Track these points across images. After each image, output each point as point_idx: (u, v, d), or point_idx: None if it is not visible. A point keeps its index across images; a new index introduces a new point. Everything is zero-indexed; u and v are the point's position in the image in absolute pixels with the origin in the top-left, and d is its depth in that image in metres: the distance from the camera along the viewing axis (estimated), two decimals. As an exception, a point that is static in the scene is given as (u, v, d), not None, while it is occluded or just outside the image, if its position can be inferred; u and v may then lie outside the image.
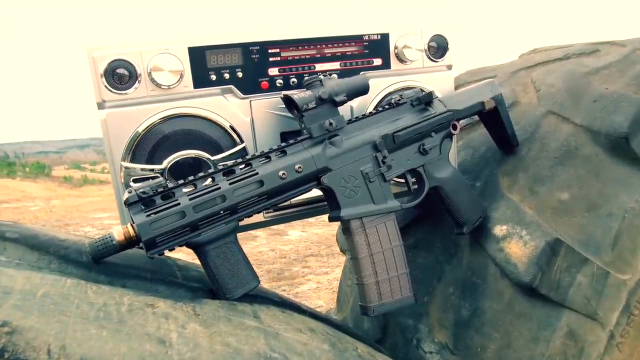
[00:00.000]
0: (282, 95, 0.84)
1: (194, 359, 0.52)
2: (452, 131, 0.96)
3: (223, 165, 0.76)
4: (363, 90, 0.87)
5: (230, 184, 0.74)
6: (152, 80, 0.81)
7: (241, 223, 0.90)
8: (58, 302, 0.52)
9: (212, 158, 0.85)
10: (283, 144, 0.81)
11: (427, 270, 1.07)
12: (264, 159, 0.78)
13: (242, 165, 0.77)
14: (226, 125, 0.87)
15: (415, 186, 0.94)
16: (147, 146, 0.83)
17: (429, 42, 1.01)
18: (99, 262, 0.68)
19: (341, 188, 0.83)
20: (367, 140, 0.86)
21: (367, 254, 0.84)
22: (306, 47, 0.92)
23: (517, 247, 0.89)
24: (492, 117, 1.02)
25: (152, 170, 0.82)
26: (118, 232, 0.68)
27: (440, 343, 0.99)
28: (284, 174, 0.77)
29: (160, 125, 0.83)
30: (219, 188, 0.73)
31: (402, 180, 0.96)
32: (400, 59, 0.99)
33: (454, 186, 0.94)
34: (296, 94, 0.81)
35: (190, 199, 0.71)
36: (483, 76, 1.34)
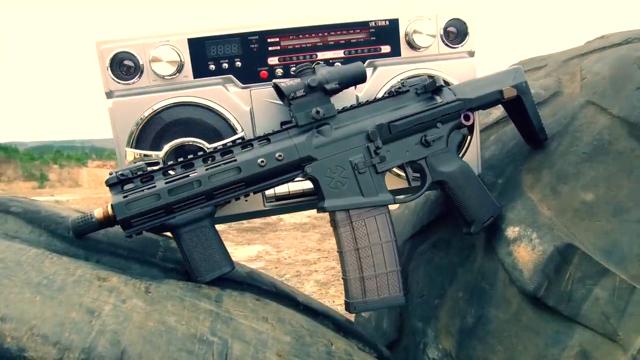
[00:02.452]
0: (272, 84, 0.84)
1: (117, 331, 0.54)
2: (464, 122, 0.88)
3: None
4: (358, 77, 0.83)
5: (206, 169, 0.75)
6: (154, 71, 0.86)
7: (241, 211, 0.93)
8: (10, 267, 0.57)
9: (209, 146, 0.88)
10: (269, 132, 0.81)
11: (442, 271, 1.00)
12: (246, 146, 0.79)
13: (224, 152, 0.78)
14: (225, 114, 0.89)
15: (419, 180, 0.88)
16: (149, 133, 0.88)
17: (446, 27, 0.94)
18: (82, 238, 0.74)
19: (326, 178, 0.80)
20: (360, 129, 0.82)
21: (353, 248, 0.80)
22: (307, 36, 0.90)
23: (525, 251, 0.80)
24: (516, 108, 0.92)
25: (150, 156, 0.87)
26: (98, 211, 0.73)
27: (445, 350, 0.92)
28: (262, 161, 0.77)
29: (161, 114, 0.87)
30: (196, 173, 0.75)
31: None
32: (412, 46, 0.93)
33: (461, 182, 0.87)
34: (284, 82, 0.81)
35: (166, 183, 0.74)
36: (533, 66, 1.22)
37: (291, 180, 0.81)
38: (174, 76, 0.87)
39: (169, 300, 0.64)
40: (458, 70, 0.95)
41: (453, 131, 0.88)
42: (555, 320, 0.76)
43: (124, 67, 0.86)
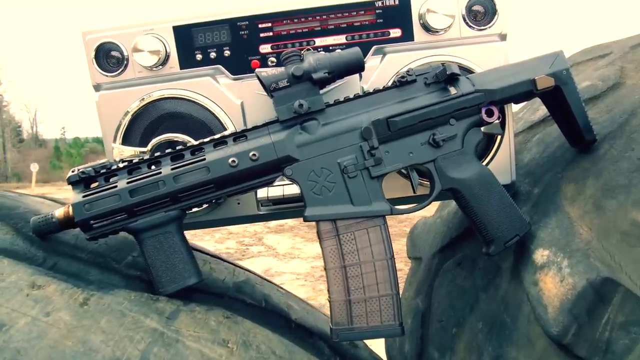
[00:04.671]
0: (255, 73, 0.74)
1: (20, 349, 0.47)
2: (486, 119, 0.73)
3: None
4: (354, 65, 0.71)
5: (172, 169, 0.68)
6: (137, 62, 0.80)
7: (232, 215, 0.85)
8: None
9: (194, 142, 0.81)
10: (248, 128, 0.72)
11: (463, 295, 0.85)
12: (219, 143, 0.70)
13: (194, 150, 0.70)
14: (213, 108, 0.81)
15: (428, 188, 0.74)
16: (137, 128, 0.83)
17: (469, 5, 0.79)
18: (45, 239, 0.69)
19: (309, 182, 0.69)
20: (353, 126, 0.70)
21: (338, 266, 0.69)
22: (302, 20, 0.80)
23: (552, 282, 0.63)
24: (556, 102, 0.75)
25: (135, 152, 0.82)
26: (59, 211, 0.68)
27: (456, 391, 0.77)
28: (234, 161, 0.68)
29: (146, 108, 0.82)
30: (160, 173, 0.68)
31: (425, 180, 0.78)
32: (427, 29, 0.79)
33: (478, 191, 0.72)
34: (265, 71, 0.71)
35: (127, 182, 0.67)
36: (595, 54, 1.01)
37: (270, 183, 0.71)
38: (158, 67, 0.81)
39: (106, 315, 0.57)
40: (485, 57, 0.79)
41: (471, 129, 0.73)
42: (588, 374, 0.59)
43: (112, 58, 0.82)
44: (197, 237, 5.75)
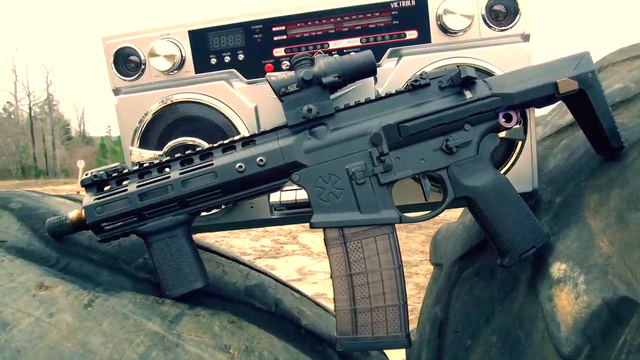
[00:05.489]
0: (266, 78, 0.74)
1: (21, 349, 0.49)
2: (503, 124, 0.70)
3: None
4: (365, 69, 0.70)
5: (180, 173, 0.68)
6: (154, 67, 0.81)
7: (246, 219, 0.85)
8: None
9: (216, 144, 0.81)
10: (257, 132, 0.71)
11: (479, 306, 0.82)
12: (228, 148, 0.70)
13: (203, 155, 0.70)
14: (227, 112, 0.82)
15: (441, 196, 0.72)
16: (154, 132, 0.84)
17: (490, 5, 0.75)
18: (60, 240, 0.71)
19: (317, 189, 0.68)
20: (362, 131, 0.69)
21: (344, 274, 0.68)
22: (317, 22, 0.79)
23: (567, 299, 0.59)
24: (580, 106, 0.70)
25: (154, 155, 0.83)
26: (73, 213, 0.70)
27: (468, 407, 0.74)
28: (240, 166, 0.68)
29: (163, 111, 0.83)
30: (169, 177, 0.68)
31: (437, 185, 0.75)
32: (445, 30, 0.76)
33: (493, 199, 0.68)
34: (275, 76, 0.70)
35: (137, 187, 0.68)
36: (633, 54, 0.95)
37: (278, 188, 0.71)
38: (174, 72, 0.82)
39: (108, 317, 0.58)
40: (506, 59, 0.76)
41: (487, 135, 0.70)
42: (604, 399, 0.55)
43: (130, 63, 0.83)
44: (233, 235, 5.85)
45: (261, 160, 0.68)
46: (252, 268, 0.97)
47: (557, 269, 0.64)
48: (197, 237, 1.07)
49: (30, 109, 23.92)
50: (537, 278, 0.68)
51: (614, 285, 0.55)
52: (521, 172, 0.79)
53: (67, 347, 0.51)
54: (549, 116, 1.03)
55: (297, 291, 1.03)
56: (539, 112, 0.98)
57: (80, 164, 11.98)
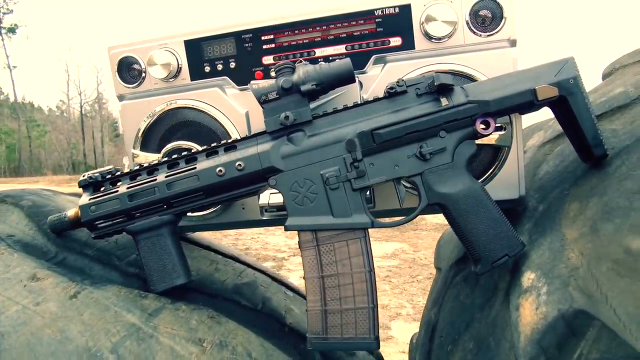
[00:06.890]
0: (249, 86, 0.77)
1: (4, 333, 0.54)
2: (480, 131, 0.69)
3: None
4: (343, 77, 0.71)
5: (166, 176, 0.73)
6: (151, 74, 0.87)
7: (236, 219, 0.88)
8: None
9: (200, 149, 0.85)
10: (238, 138, 0.75)
11: (463, 312, 0.82)
12: (211, 153, 0.74)
13: (189, 159, 0.75)
14: (220, 117, 0.85)
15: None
16: (154, 136, 0.89)
17: (473, 10, 0.75)
18: (60, 236, 0.78)
19: (292, 193, 0.71)
20: (338, 138, 0.71)
21: (316, 276, 0.70)
22: (303, 31, 0.81)
23: (530, 309, 0.59)
24: (563, 113, 0.69)
25: (158, 158, 0.88)
26: (71, 211, 0.76)
27: (443, 413, 0.74)
28: (220, 170, 0.71)
29: (162, 117, 0.88)
30: (155, 180, 0.73)
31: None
32: (429, 36, 0.77)
33: (465, 207, 0.68)
34: (256, 84, 0.73)
35: (127, 188, 0.73)
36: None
37: (257, 192, 0.74)
38: (172, 79, 0.86)
39: (90, 307, 0.63)
40: (491, 64, 0.75)
41: (463, 142, 0.70)
42: (561, 412, 0.55)
43: (133, 71, 0.89)
44: (269, 232, 5.94)
45: (240, 164, 0.71)
46: (250, 266, 1.01)
47: (527, 278, 0.64)
48: (206, 234, 1.12)
49: (81, 107, 25.30)
50: (510, 287, 0.68)
51: (572, 297, 0.54)
52: (508, 178, 0.78)
53: (46, 334, 0.57)
54: (551, 121, 1.00)
55: (297, 291, 1.05)
56: (543, 116, 0.96)
57: (126, 160, 12.52)
